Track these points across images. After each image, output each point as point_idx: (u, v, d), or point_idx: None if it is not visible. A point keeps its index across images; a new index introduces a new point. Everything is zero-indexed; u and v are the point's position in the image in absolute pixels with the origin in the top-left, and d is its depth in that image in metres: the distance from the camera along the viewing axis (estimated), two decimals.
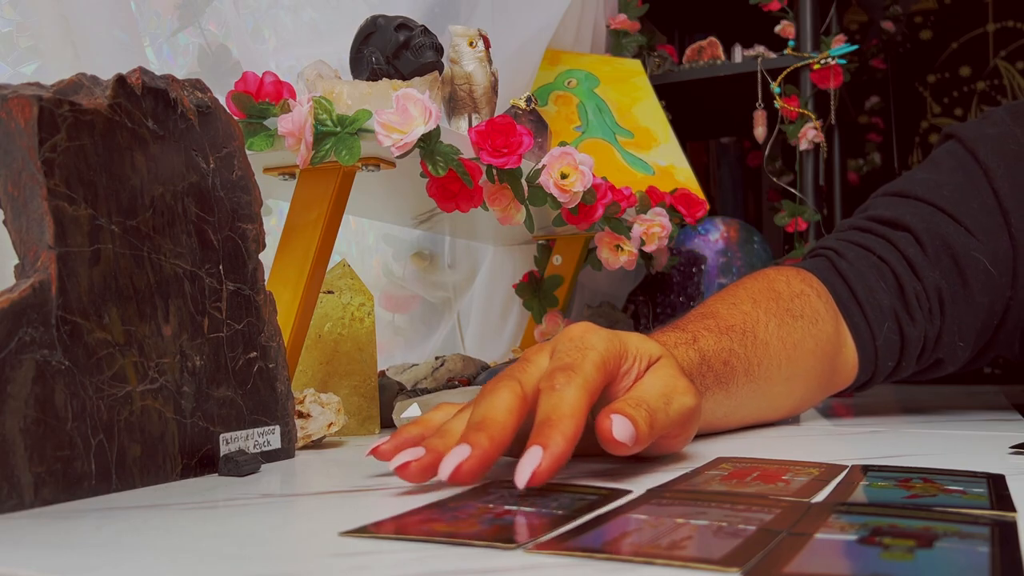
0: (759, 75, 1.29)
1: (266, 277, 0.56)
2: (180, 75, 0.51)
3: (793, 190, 1.28)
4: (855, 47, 1.28)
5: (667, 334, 0.63)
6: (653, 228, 0.96)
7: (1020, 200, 0.76)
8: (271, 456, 0.54)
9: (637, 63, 1.27)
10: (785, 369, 0.69)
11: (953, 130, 0.82)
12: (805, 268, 0.78)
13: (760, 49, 1.31)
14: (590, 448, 0.49)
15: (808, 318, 0.71)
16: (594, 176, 0.80)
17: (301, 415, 0.60)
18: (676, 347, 0.61)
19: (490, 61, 0.80)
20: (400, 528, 0.34)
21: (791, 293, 0.72)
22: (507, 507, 0.38)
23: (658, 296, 1.29)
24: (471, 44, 0.78)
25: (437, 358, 0.91)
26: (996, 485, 0.43)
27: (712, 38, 1.37)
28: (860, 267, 0.76)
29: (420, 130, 0.63)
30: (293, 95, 0.65)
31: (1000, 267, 0.76)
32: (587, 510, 0.37)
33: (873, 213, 0.80)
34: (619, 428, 0.43)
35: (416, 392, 0.78)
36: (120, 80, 0.46)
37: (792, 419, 0.81)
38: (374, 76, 0.71)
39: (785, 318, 0.70)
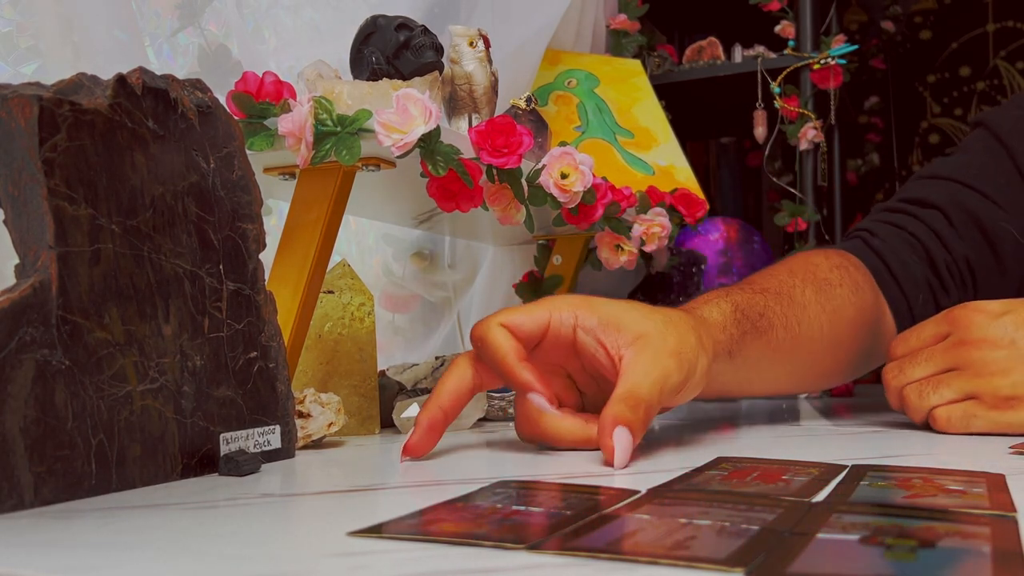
0: (759, 75, 1.29)
1: (266, 277, 0.56)
2: (180, 75, 0.51)
3: (793, 190, 1.28)
4: (855, 47, 1.28)
5: (697, 298, 0.66)
6: (653, 228, 0.96)
7: None
8: (271, 456, 0.54)
9: (637, 63, 1.27)
10: (828, 333, 0.72)
11: (980, 117, 0.87)
12: (841, 248, 0.83)
13: (760, 49, 1.31)
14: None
15: (848, 287, 0.75)
16: (594, 176, 0.80)
17: (301, 415, 0.60)
18: (706, 303, 0.63)
19: (490, 61, 0.80)
20: (410, 528, 0.34)
21: (829, 265, 0.76)
22: (515, 507, 0.38)
23: (658, 296, 1.29)
24: (471, 44, 0.78)
25: (437, 358, 0.91)
26: (996, 485, 0.43)
27: (712, 38, 1.37)
28: (892, 243, 0.81)
29: (420, 130, 0.63)
30: (293, 95, 0.65)
31: None
32: (596, 510, 0.37)
33: (903, 195, 0.85)
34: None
35: (416, 392, 0.78)
36: (120, 80, 0.46)
37: (791, 417, 0.81)
38: (374, 76, 0.71)
39: (823, 286, 0.74)
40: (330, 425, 0.60)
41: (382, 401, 0.73)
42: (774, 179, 1.47)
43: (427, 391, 0.77)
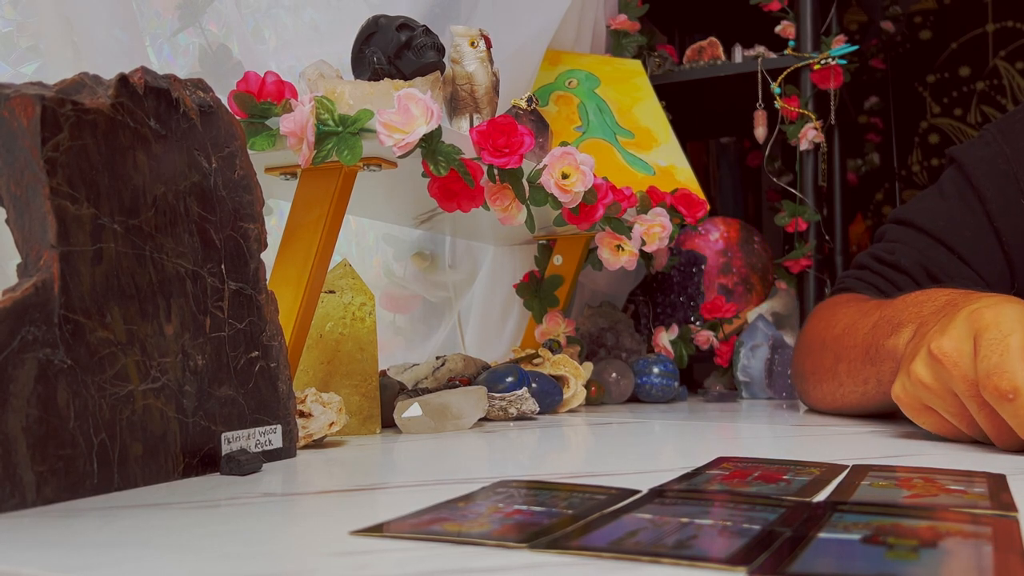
0: (759, 75, 1.29)
1: (268, 276, 0.56)
2: (181, 75, 0.51)
3: (793, 190, 1.28)
4: (855, 47, 1.28)
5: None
6: (654, 228, 0.96)
7: (1010, 218, 0.84)
8: (272, 455, 0.54)
9: (637, 63, 1.27)
10: None
11: (953, 153, 0.89)
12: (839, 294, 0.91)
13: (760, 49, 1.31)
14: None
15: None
16: (595, 176, 0.80)
17: (302, 414, 0.60)
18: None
19: (491, 61, 0.80)
20: (412, 527, 0.34)
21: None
22: (517, 507, 0.38)
23: (658, 296, 1.29)
24: (472, 44, 0.78)
25: (438, 358, 0.91)
26: (997, 484, 0.43)
27: (712, 38, 1.37)
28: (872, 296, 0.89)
29: (422, 130, 0.63)
30: (295, 95, 0.65)
31: (997, 284, 0.83)
32: (597, 510, 0.37)
33: (878, 251, 0.90)
34: None
35: (417, 392, 0.78)
36: (123, 80, 0.46)
37: (791, 417, 0.81)
38: (376, 76, 0.71)
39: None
40: (331, 425, 0.60)
41: (383, 401, 0.73)
42: (774, 179, 1.47)
43: (428, 390, 0.77)
